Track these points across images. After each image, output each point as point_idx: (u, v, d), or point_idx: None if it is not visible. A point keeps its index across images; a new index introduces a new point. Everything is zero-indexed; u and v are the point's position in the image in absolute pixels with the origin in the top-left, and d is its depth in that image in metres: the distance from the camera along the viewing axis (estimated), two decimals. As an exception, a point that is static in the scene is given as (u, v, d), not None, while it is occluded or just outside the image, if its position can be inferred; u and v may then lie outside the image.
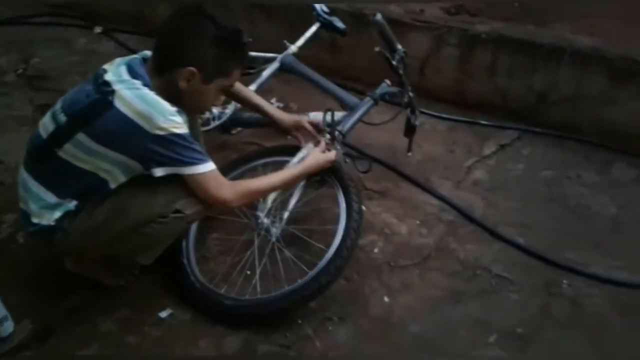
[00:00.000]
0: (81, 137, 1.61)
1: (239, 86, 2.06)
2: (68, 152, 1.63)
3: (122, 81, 1.60)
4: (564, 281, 2.03)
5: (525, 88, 2.83)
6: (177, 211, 1.70)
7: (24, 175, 1.74)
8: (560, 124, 2.79)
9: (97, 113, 1.58)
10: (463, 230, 2.26)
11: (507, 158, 2.66)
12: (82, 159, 1.63)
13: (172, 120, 1.58)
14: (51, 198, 1.70)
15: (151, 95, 1.58)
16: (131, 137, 1.58)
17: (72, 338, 1.84)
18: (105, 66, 1.69)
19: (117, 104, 1.56)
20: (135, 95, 1.57)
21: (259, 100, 2.15)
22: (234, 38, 1.66)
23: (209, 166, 1.69)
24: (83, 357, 1.80)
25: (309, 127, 2.14)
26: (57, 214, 1.70)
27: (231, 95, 2.09)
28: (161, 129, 1.57)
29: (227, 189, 1.73)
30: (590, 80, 2.66)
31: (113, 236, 1.72)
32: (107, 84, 1.60)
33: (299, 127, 2.14)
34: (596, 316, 1.90)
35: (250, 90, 2.21)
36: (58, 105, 1.70)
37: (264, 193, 1.94)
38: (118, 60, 1.71)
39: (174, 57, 1.63)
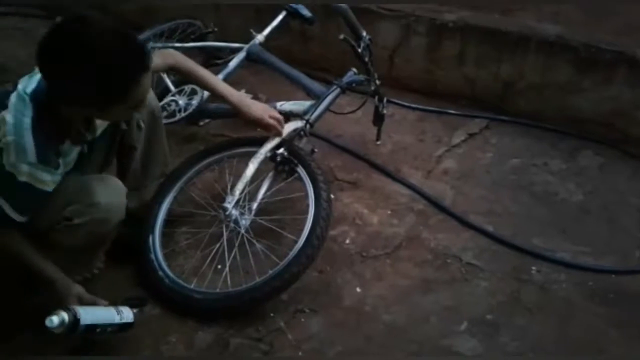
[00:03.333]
0: None
1: (204, 72, 2.00)
2: None
3: (19, 97, 1.53)
4: (533, 267, 2.05)
5: (492, 77, 2.85)
6: (67, 218, 1.66)
7: None
8: (527, 112, 2.82)
9: None
10: (433, 220, 2.27)
11: (476, 147, 2.68)
12: None
13: (22, 163, 1.52)
14: None
15: (23, 127, 1.51)
16: None
17: (38, 336, 1.78)
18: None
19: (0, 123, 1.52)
20: (11, 124, 1.51)
21: (221, 87, 2.02)
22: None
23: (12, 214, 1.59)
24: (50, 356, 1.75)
25: (271, 122, 2.04)
26: None
27: (194, 81, 2.05)
28: (11, 165, 1.52)
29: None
30: (555, 68, 2.69)
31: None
32: (9, 95, 1.54)
33: (259, 122, 2.04)
34: (564, 301, 1.93)
35: (215, 78, 2.08)
36: None
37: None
38: None
39: None
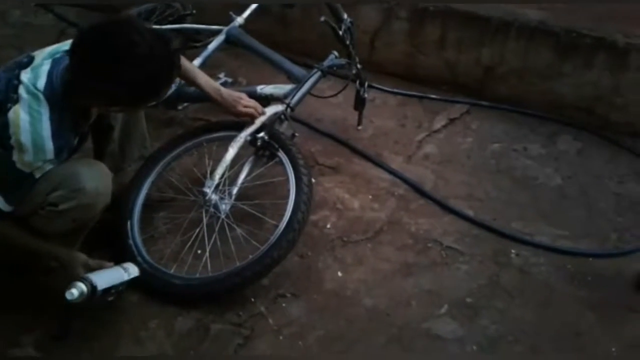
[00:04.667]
0: None
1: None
2: None
3: (30, 93, 1.53)
4: (512, 251, 2.07)
5: (473, 62, 2.84)
6: (52, 204, 1.64)
7: None
8: (507, 97, 2.82)
9: None
10: (414, 204, 2.27)
11: (457, 132, 2.68)
12: None
13: (40, 161, 1.56)
14: None
15: (42, 127, 1.53)
16: (2, 150, 1.54)
17: (11, 326, 1.76)
18: (36, 53, 1.63)
19: (10, 116, 1.52)
20: (28, 122, 1.52)
21: (195, 74, 1.99)
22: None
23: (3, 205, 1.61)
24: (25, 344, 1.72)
25: (244, 111, 2.01)
26: None
27: None
28: (24, 164, 1.55)
29: None
30: (536, 53, 2.69)
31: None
32: (16, 88, 1.53)
33: (233, 112, 2.01)
34: (543, 284, 1.95)
35: (190, 64, 2.05)
36: None
37: None
38: (49, 50, 1.64)
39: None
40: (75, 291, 1.57)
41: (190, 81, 1.99)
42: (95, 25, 1.50)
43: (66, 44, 1.62)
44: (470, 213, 2.22)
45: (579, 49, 2.60)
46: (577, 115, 2.70)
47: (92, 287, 1.60)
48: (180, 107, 2.62)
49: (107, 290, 1.66)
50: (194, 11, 2.90)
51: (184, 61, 1.95)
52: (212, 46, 2.52)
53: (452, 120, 2.74)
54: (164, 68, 1.53)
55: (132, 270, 1.77)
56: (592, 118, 2.68)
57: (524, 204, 2.28)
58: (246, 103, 2.02)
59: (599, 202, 2.29)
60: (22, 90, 1.53)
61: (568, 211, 2.25)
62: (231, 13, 2.59)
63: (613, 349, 1.75)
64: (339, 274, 1.98)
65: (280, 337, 1.77)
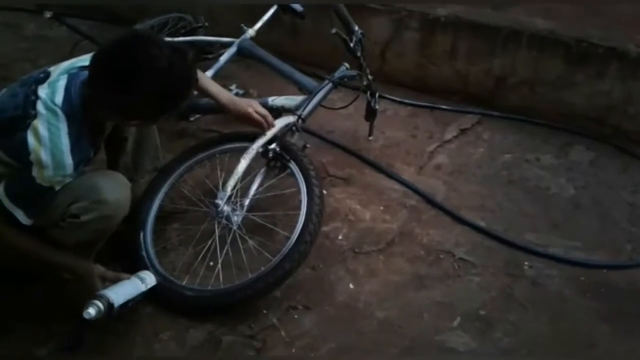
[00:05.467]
0: None
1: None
2: None
3: (48, 108, 1.55)
4: (525, 262, 2.06)
5: (484, 72, 2.84)
6: (73, 216, 1.66)
7: None
8: (519, 107, 2.82)
9: (12, 129, 1.57)
10: (426, 215, 2.26)
11: (468, 142, 2.68)
12: None
13: (60, 176, 1.58)
14: None
15: (61, 142, 1.55)
16: (22, 166, 1.57)
17: (27, 337, 1.78)
18: (52, 68, 1.65)
19: (30, 133, 1.54)
20: (47, 138, 1.54)
21: (208, 84, 2.01)
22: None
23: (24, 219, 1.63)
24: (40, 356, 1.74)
25: (256, 117, 2.02)
26: None
27: None
28: (44, 179, 1.56)
29: None
30: (547, 63, 2.69)
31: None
32: (34, 104, 1.55)
33: (252, 117, 2.02)
34: (556, 296, 1.94)
35: (202, 74, 2.04)
36: None
37: None
38: (65, 65, 1.66)
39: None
40: (92, 310, 1.58)
41: (203, 91, 2.00)
42: (115, 39, 1.53)
43: (82, 60, 1.65)
44: (482, 224, 2.21)
45: (591, 59, 2.59)
46: (590, 125, 2.69)
47: (109, 305, 1.61)
48: (192, 119, 2.65)
49: (124, 305, 1.67)
50: (206, 23, 2.93)
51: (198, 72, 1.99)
52: (223, 58, 2.54)
53: (463, 131, 2.74)
54: (182, 82, 1.55)
55: (149, 280, 1.78)
56: (605, 128, 2.67)
57: (537, 215, 2.26)
58: (257, 109, 2.03)
59: (613, 212, 2.27)
60: (40, 106, 1.55)
61: (581, 222, 2.24)
62: (242, 25, 2.62)
63: (627, 362, 1.73)
64: (351, 285, 1.97)
65: (293, 349, 1.76)
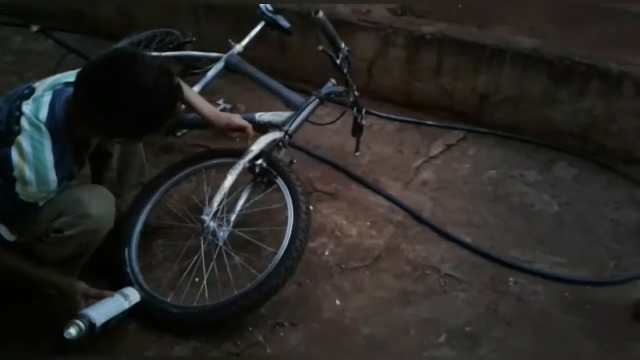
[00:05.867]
0: None
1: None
2: None
3: (32, 124, 1.54)
4: (510, 278, 2.07)
5: (469, 89, 2.88)
6: (57, 230, 1.65)
7: None
8: (503, 123, 2.85)
9: None
10: (412, 231, 2.27)
11: (454, 158, 2.70)
12: None
13: (44, 192, 1.57)
14: None
15: (45, 158, 1.54)
16: (4, 182, 1.54)
17: (11, 353, 1.75)
18: (37, 84, 1.64)
19: (13, 149, 1.53)
20: (31, 154, 1.53)
21: (193, 98, 2.00)
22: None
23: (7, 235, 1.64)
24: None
25: (243, 126, 2.03)
26: None
27: None
28: (27, 195, 1.55)
29: None
30: (531, 80, 2.73)
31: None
32: (18, 120, 1.54)
33: (232, 127, 2.03)
34: (541, 312, 1.95)
35: (189, 89, 2.05)
36: None
37: None
38: (50, 81, 1.65)
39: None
40: (73, 330, 1.57)
41: (187, 103, 2.00)
42: (101, 57, 1.52)
43: (67, 75, 1.64)
44: (468, 240, 2.22)
45: (573, 77, 2.63)
46: (573, 142, 2.73)
47: (91, 324, 1.60)
48: (179, 134, 2.65)
49: (106, 324, 1.66)
50: (194, 38, 2.94)
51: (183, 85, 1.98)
52: (211, 73, 2.55)
53: (449, 147, 2.76)
54: (167, 101, 1.54)
55: (132, 297, 1.77)
56: (588, 145, 2.70)
57: (522, 231, 2.28)
58: (239, 121, 2.03)
59: (596, 229, 2.30)
60: (24, 122, 1.54)
61: (565, 238, 2.26)
62: (230, 40, 2.63)
63: (612, 379, 1.75)
64: (337, 302, 1.97)
65: (279, 367, 1.76)
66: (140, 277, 1.91)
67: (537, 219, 2.35)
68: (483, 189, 2.50)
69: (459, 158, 2.70)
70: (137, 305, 1.79)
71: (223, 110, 2.77)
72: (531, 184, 2.53)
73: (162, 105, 1.54)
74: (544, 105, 2.74)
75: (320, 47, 2.18)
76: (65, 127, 1.58)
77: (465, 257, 2.16)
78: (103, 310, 1.67)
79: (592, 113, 2.65)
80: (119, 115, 1.50)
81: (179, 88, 1.61)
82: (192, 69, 2.79)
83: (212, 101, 2.75)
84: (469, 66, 2.83)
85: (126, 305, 1.74)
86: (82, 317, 1.60)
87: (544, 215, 2.37)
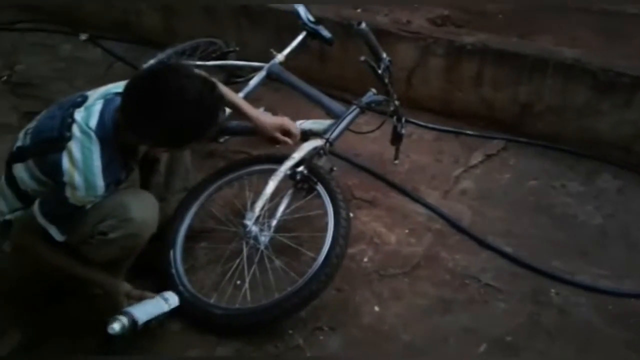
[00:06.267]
0: (30, 163, 1.67)
1: (223, 89, 2.04)
2: (19, 170, 1.70)
3: (83, 132, 1.62)
4: (552, 290, 2.04)
5: (510, 99, 2.86)
6: (102, 233, 1.71)
7: (2, 176, 1.79)
8: (545, 134, 2.82)
9: (49, 149, 1.64)
10: (451, 240, 2.27)
11: (494, 168, 2.68)
12: (26, 182, 1.70)
13: (91, 197, 1.64)
14: (17, 203, 1.76)
15: (93, 164, 1.61)
16: (56, 185, 1.63)
17: (59, 349, 1.82)
18: (90, 93, 1.72)
19: (65, 154, 1.61)
20: (80, 160, 1.60)
21: (238, 101, 2.06)
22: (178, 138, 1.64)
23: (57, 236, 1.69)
24: None
25: (294, 131, 2.09)
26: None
27: None
28: (76, 199, 1.62)
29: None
30: (573, 91, 2.69)
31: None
32: (70, 127, 1.62)
33: (282, 130, 2.07)
34: (584, 325, 1.92)
35: (234, 94, 2.09)
36: (33, 124, 1.74)
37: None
38: (102, 90, 1.73)
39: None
40: (116, 325, 1.63)
41: (232, 107, 2.05)
42: (147, 70, 1.60)
43: (118, 86, 1.71)
44: (508, 250, 2.20)
45: (617, 87, 2.59)
46: (616, 153, 2.68)
47: (133, 322, 1.66)
48: (222, 140, 2.70)
49: (147, 323, 1.71)
50: (237, 48, 3.00)
51: (227, 91, 2.02)
52: (253, 82, 2.60)
53: (489, 156, 2.75)
54: (209, 114, 1.60)
55: (172, 301, 1.82)
56: (632, 156, 2.65)
57: (564, 242, 2.25)
58: (287, 128, 2.07)
59: (641, 241, 2.26)
60: (75, 129, 1.62)
61: (609, 250, 2.22)
62: (272, 50, 2.68)
63: (657, 394, 1.71)
64: (376, 308, 1.98)
65: (320, 370, 1.78)
66: (184, 279, 1.96)
67: (579, 230, 2.31)
68: (524, 199, 2.48)
69: (499, 168, 2.68)
70: (180, 306, 1.84)
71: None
72: (573, 195, 2.50)
73: (204, 116, 1.60)
74: (586, 116, 2.70)
75: (363, 58, 2.21)
76: (113, 135, 1.65)
77: (506, 267, 2.14)
78: (145, 310, 1.73)
79: (637, 125, 2.60)
80: (163, 126, 1.56)
81: (220, 99, 1.66)
82: (235, 78, 2.85)
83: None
84: (510, 76, 2.81)
85: (166, 307, 1.79)
86: (125, 314, 1.66)
87: (586, 226, 2.33)
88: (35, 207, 1.66)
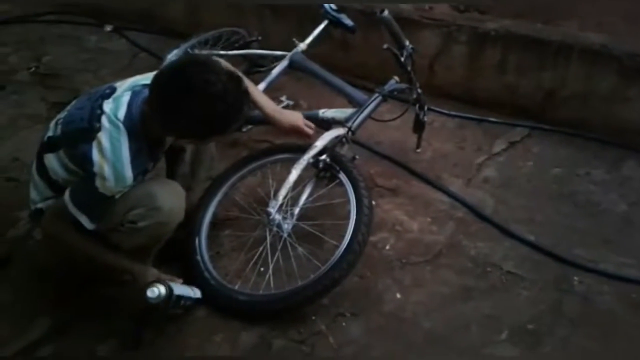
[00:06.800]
0: (61, 153, 1.72)
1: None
2: (50, 160, 1.75)
3: (111, 122, 1.65)
4: (575, 278, 2.04)
5: (534, 85, 2.83)
6: (131, 222, 1.75)
7: (33, 165, 1.84)
8: (569, 121, 2.79)
9: (79, 140, 1.67)
10: (474, 228, 2.27)
11: (517, 155, 2.67)
12: (57, 172, 1.75)
13: (120, 187, 1.67)
14: (48, 192, 1.81)
15: (122, 155, 1.64)
16: (86, 175, 1.67)
17: (88, 334, 1.88)
18: (118, 84, 1.76)
19: (94, 145, 1.64)
20: (109, 151, 1.63)
21: (258, 97, 2.08)
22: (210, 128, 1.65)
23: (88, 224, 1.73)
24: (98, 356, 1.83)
25: (306, 129, 2.11)
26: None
27: None
28: (106, 189, 1.65)
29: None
30: (599, 77, 2.66)
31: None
32: (99, 118, 1.66)
33: (295, 130, 2.10)
34: (607, 313, 1.91)
35: (254, 88, 2.14)
36: (63, 114, 1.78)
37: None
38: (130, 82, 1.76)
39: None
40: (155, 290, 1.69)
41: (252, 102, 2.05)
42: (174, 63, 1.64)
43: (146, 77, 1.75)
44: (531, 238, 2.20)
45: (645, 74, 2.55)
46: (642, 140, 2.64)
47: (170, 290, 1.71)
48: (244, 130, 2.73)
49: (179, 298, 1.77)
50: (259, 37, 3.03)
51: (250, 85, 2.05)
52: (276, 71, 2.62)
53: (512, 144, 2.73)
54: (235, 107, 1.62)
55: (196, 292, 1.88)
56: (658, 144, 2.62)
57: (587, 230, 2.24)
58: (302, 127, 2.10)
59: (667, 230, 2.23)
60: (104, 120, 1.65)
61: (633, 239, 2.19)
62: (294, 39, 2.69)
63: (682, 382, 1.70)
64: (398, 295, 2.00)
65: (340, 356, 1.80)
66: (209, 265, 2.00)
67: (603, 218, 2.29)
68: (547, 187, 2.47)
69: (523, 156, 2.66)
70: (205, 292, 1.89)
71: (286, 107, 2.84)
72: (598, 183, 2.47)
73: (230, 110, 1.61)
74: (612, 103, 2.67)
75: (386, 46, 2.21)
76: (141, 126, 1.68)
77: (528, 255, 2.14)
78: (177, 287, 1.78)
79: (664, 111, 2.56)
80: (188, 118, 1.59)
81: (246, 93, 1.68)
82: (258, 67, 2.88)
83: (275, 98, 2.85)
84: (534, 62, 2.78)
85: (192, 294, 1.85)
86: (163, 282, 1.72)
87: (611, 214, 2.31)
88: (66, 196, 1.71)
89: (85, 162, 1.65)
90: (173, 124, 1.64)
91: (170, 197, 1.79)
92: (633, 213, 2.31)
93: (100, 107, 1.68)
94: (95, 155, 1.63)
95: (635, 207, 2.34)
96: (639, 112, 2.61)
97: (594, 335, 1.84)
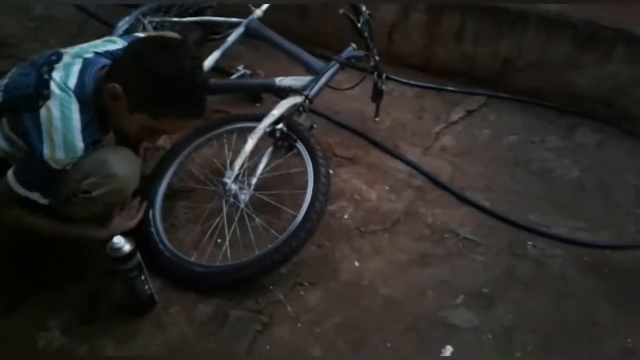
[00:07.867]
0: (4, 121, 1.63)
1: None
2: None
3: (63, 90, 1.58)
4: (529, 242, 2.08)
5: (491, 54, 2.84)
6: (85, 192, 1.69)
7: None
8: (526, 89, 2.81)
9: (24, 108, 1.59)
10: (431, 195, 2.28)
11: (474, 124, 2.68)
12: None
13: (70, 158, 1.61)
14: None
15: (73, 124, 1.58)
16: (32, 146, 1.58)
17: (40, 307, 1.83)
18: (64, 51, 1.68)
19: (42, 113, 1.56)
20: (59, 119, 1.56)
21: None
22: (183, 88, 1.58)
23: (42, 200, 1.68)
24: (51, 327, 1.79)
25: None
26: None
27: None
28: (55, 162, 1.58)
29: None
30: (555, 45, 2.68)
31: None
32: (48, 84, 1.58)
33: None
34: (559, 276, 1.96)
35: None
36: (4, 81, 1.69)
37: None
38: (77, 49, 1.69)
39: (114, 70, 1.63)
40: (121, 241, 1.64)
41: None
42: (159, 43, 1.61)
43: (95, 45, 1.70)
44: (487, 204, 2.23)
45: (598, 41, 2.57)
46: (596, 107, 2.68)
47: (134, 243, 1.67)
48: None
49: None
50: (214, 4, 2.93)
51: None
52: (231, 38, 2.55)
53: (469, 112, 2.74)
54: (199, 87, 1.61)
55: None
56: (612, 111, 2.66)
57: (541, 195, 2.28)
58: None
59: (617, 194, 2.28)
60: (54, 87, 1.57)
61: (586, 203, 2.25)
62: (250, 5, 2.62)
63: (629, 340, 1.76)
64: (356, 263, 2.00)
65: (298, 325, 1.80)
66: (164, 237, 1.96)
67: (557, 184, 2.34)
68: (503, 154, 2.50)
69: (480, 124, 2.68)
70: (160, 264, 1.86)
71: (243, 75, 2.78)
72: (552, 150, 2.51)
73: (195, 88, 1.59)
74: (567, 70, 2.70)
75: (342, 11, 2.17)
76: (92, 96, 1.62)
77: (484, 222, 2.17)
78: None
79: (617, 78, 2.60)
80: (157, 91, 1.56)
81: (206, 76, 1.66)
82: (213, 35, 2.80)
83: (232, 66, 2.78)
84: (492, 31, 2.78)
85: None
86: (126, 237, 1.67)
87: (564, 180, 2.36)
88: (11, 177, 1.62)
89: (28, 133, 1.57)
90: (136, 95, 1.58)
91: (125, 163, 1.74)
92: (585, 179, 2.36)
93: (49, 73, 1.60)
94: (45, 123, 1.56)
95: (587, 172, 2.39)
96: (592, 79, 2.65)
97: (546, 297, 1.89)
